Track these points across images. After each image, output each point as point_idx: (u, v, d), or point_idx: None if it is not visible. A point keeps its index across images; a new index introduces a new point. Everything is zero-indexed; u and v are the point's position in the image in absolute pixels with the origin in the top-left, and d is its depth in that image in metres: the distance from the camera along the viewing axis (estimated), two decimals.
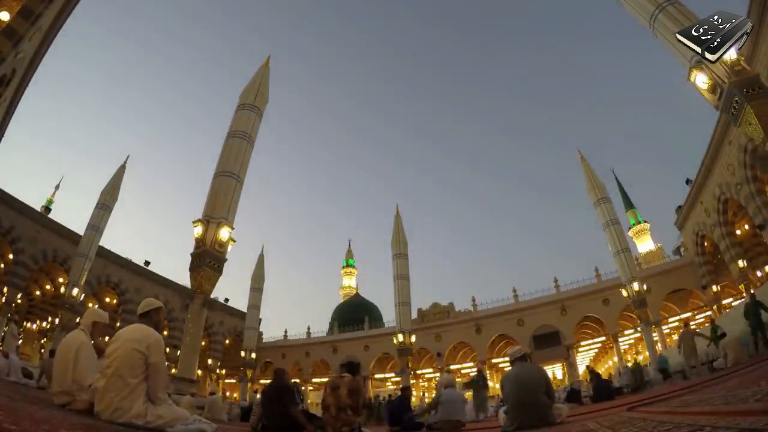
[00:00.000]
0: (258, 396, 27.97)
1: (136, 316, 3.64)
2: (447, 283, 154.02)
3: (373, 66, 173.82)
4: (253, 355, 28.57)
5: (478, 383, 13.73)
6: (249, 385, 29.08)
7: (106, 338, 4.39)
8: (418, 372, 34.11)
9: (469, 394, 14.49)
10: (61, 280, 24.10)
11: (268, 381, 6.37)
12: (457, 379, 26.60)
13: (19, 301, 22.82)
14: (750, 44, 13.21)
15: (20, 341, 25.35)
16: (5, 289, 20.98)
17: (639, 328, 24.39)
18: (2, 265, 21.84)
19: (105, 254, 25.09)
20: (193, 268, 12.56)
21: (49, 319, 26.72)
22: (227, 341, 34.77)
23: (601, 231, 22.50)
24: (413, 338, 22.87)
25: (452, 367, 31.02)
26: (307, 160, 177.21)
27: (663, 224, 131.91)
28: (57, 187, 51.14)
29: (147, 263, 29.68)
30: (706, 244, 23.66)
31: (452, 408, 6.61)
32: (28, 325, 27.39)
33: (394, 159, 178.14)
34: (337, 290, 68.96)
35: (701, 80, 10.44)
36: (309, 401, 28.33)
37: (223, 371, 35.60)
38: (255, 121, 15.85)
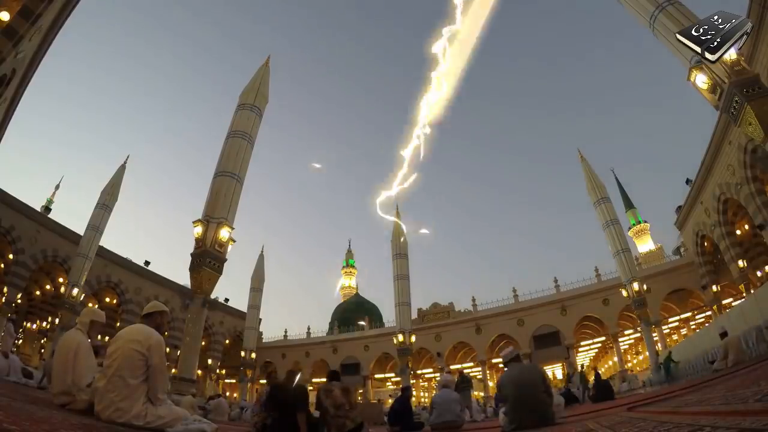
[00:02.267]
0: (257, 395, 28.05)
1: (140, 316, 3.65)
2: (447, 283, 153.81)
3: (374, 59, 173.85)
4: (253, 355, 28.57)
5: (460, 385, 13.80)
6: (249, 385, 29.08)
7: (106, 338, 4.40)
8: (418, 372, 34.12)
9: None
10: (61, 280, 24.10)
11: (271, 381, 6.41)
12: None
13: (19, 300, 22.81)
14: (750, 44, 13.20)
15: (20, 341, 25.39)
16: (5, 289, 20.99)
17: (639, 328, 24.41)
18: (2, 265, 21.84)
19: (105, 254, 25.07)
20: (193, 268, 12.56)
21: (49, 319, 26.73)
22: (227, 341, 34.78)
23: (601, 231, 22.53)
24: (413, 338, 22.87)
25: (452, 366, 31.01)
26: (306, 158, 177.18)
27: (663, 224, 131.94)
28: (57, 187, 51.16)
29: (147, 263, 29.70)
30: (706, 244, 23.67)
31: (444, 409, 6.72)
32: (28, 325, 27.41)
33: (394, 158, 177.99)
34: (337, 290, 69.09)
35: (701, 80, 10.44)
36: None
37: (223, 371, 35.61)
38: (255, 120, 15.85)
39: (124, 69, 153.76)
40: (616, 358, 30.14)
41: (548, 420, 4.16)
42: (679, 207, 26.70)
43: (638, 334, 27.99)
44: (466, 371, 31.77)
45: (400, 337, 22.45)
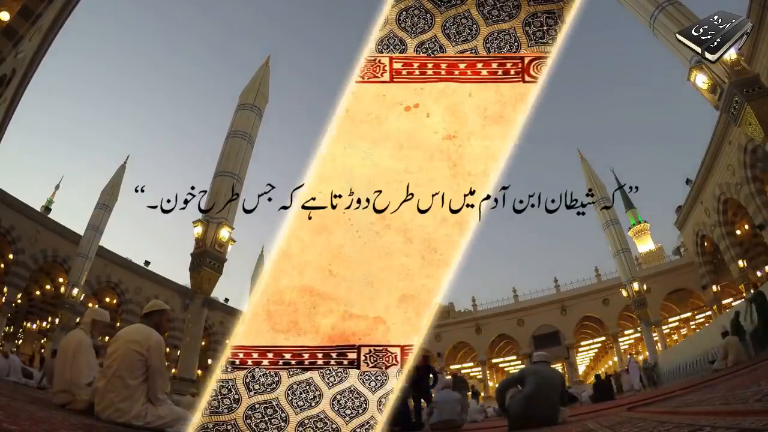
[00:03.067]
0: None
1: (140, 315, 3.65)
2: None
3: None
4: None
5: (456, 385, 13.83)
6: None
7: (106, 338, 4.40)
8: None
9: None
10: (61, 280, 24.07)
11: None
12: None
13: (19, 300, 22.80)
14: (750, 44, 13.20)
15: (20, 341, 25.40)
16: (5, 289, 20.98)
17: (639, 329, 24.40)
18: (2, 265, 21.83)
19: (105, 254, 25.04)
20: (193, 268, 12.58)
21: (49, 319, 26.69)
22: (227, 341, 34.75)
23: (601, 231, 22.52)
24: None
25: (452, 366, 30.99)
26: (305, 155, 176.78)
27: (663, 224, 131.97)
28: (57, 187, 51.08)
29: (147, 263, 29.66)
30: (706, 244, 23.64)
31: (445, 409, 6.76)
32: (28, 325, 27.38)
33: None
34: None
35: (701, 80, 10.46)
36: None
37: None
38: (255, 120, 15.84)
39: (125, 69, 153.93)
40: (616, 358, 30.13)
41: (552, 421, 4.27)
42: (679, 207, 26.68)
43: (638, 334, 27.97)
44: (464, 372, 31.90)
45: None
